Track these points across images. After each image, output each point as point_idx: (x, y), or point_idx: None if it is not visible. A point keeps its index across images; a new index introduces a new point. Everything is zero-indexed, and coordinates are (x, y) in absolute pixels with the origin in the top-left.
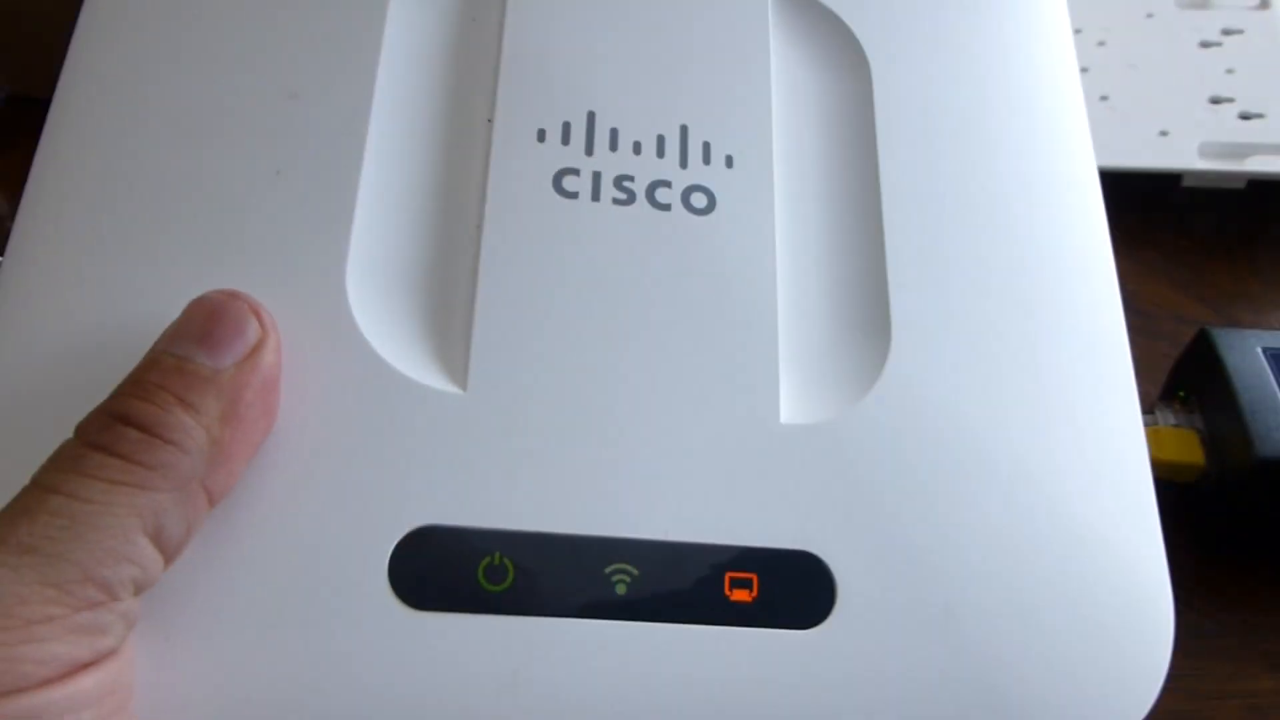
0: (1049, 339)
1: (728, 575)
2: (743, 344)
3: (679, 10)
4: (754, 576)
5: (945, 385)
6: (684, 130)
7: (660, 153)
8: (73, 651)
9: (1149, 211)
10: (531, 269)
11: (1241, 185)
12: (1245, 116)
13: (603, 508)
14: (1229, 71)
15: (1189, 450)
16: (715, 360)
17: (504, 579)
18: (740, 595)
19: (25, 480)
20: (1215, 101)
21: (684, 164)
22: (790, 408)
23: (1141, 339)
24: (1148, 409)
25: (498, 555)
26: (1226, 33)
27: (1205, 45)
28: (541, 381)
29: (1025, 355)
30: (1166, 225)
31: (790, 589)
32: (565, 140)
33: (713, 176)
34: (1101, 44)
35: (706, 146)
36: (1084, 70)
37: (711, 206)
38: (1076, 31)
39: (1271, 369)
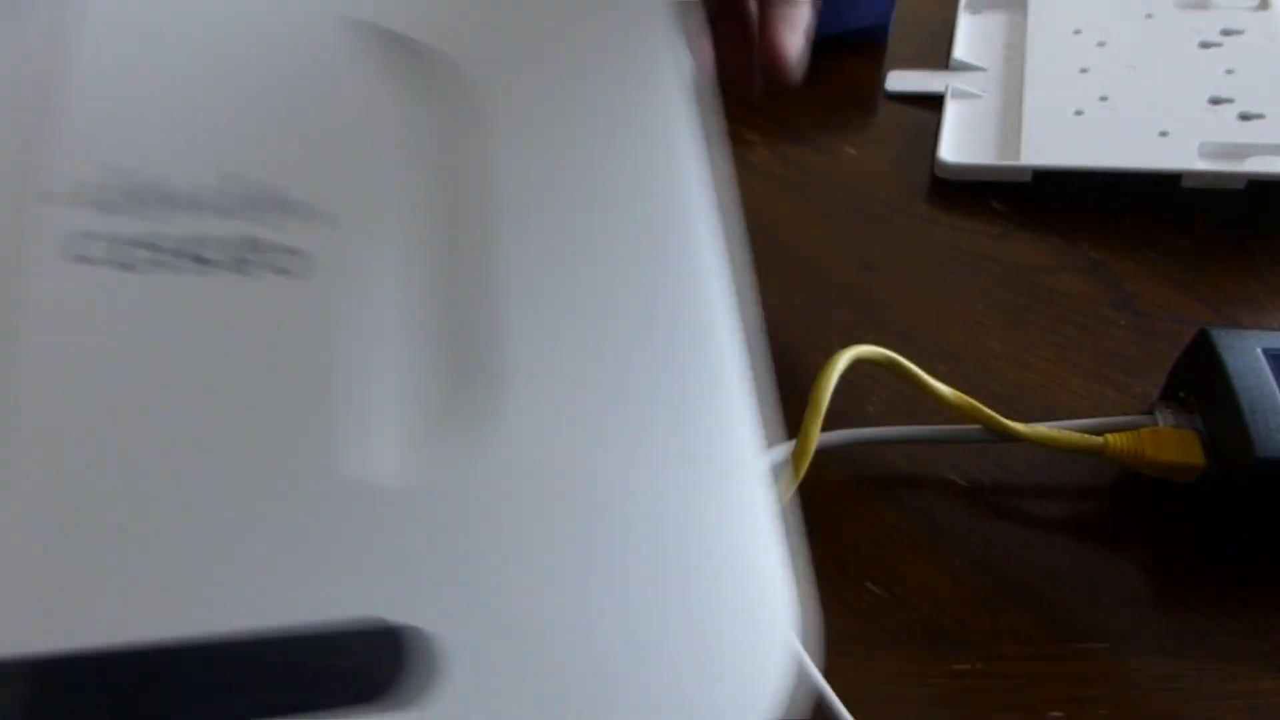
0: (667, 384)
1: (295, 662)
2: (310, 410)
3: (250, 49)
4: (325, 658)
5: (555, 434)
6: (258, 185)
7: (232, 212)
8: None
9: (1149, 211)
10: (62, 345)
11: (1241, 185)
12: (1245, 117)
13: (138, 613)
14: (1229, 72)
15: (1189, 450)
16: (276, 428)
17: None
18: (312, 680)
19: None
20: (1215, 102)
21: (261, 222)
22: (365, 467)
23: (1141, 339)
24: (1148, 409)
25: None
26: (1226, 33)
27: (1205, 45)
28: (69, 475)
29: (642, 402)
30: (1166, 225)
31: (374, 666)
32: (108, 204)
33: (295, 233)
34: (1101, 44)
35: (288, 201)
36: (1084, 70)
37: (291, 267)
38: (1076, 32)
39: (1271, 369)
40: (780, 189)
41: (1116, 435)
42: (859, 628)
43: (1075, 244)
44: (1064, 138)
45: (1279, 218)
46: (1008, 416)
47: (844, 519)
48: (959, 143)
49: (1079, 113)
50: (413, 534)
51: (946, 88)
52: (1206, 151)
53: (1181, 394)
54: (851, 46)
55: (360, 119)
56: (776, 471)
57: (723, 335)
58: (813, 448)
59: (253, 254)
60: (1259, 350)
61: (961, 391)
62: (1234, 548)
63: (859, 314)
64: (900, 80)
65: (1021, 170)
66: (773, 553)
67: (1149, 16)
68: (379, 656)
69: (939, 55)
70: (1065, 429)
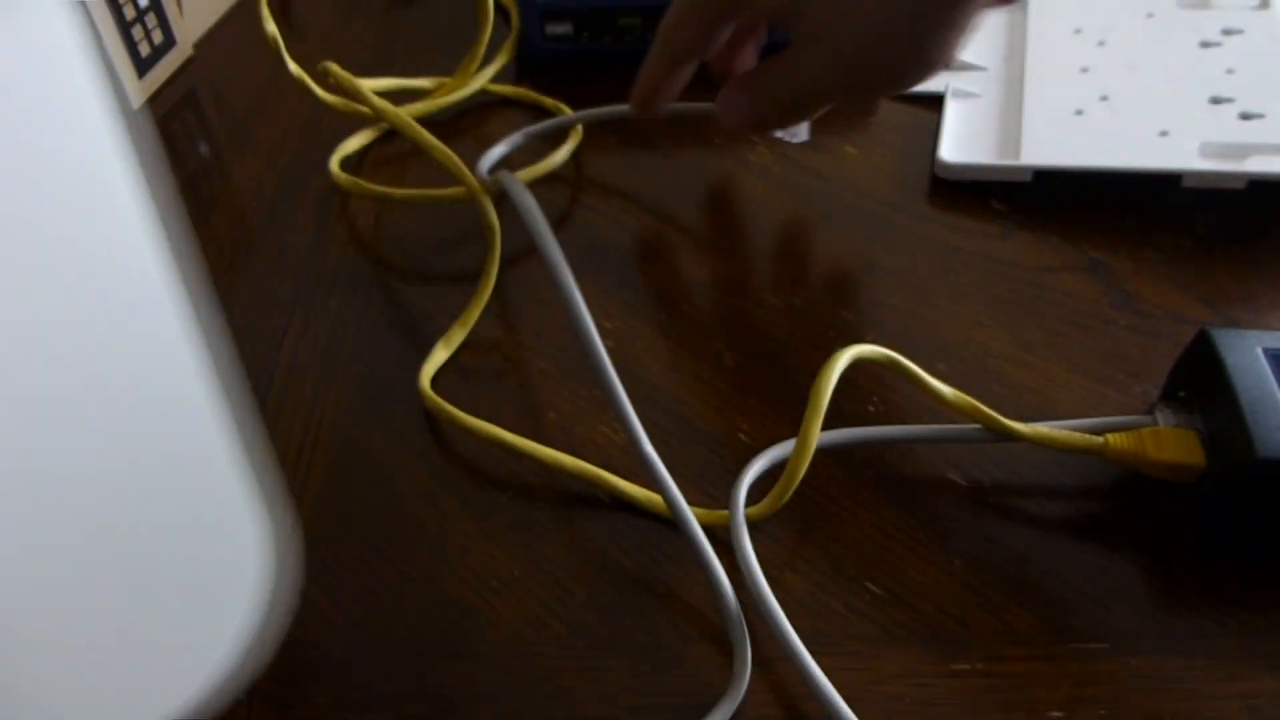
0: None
1: None
2: None
3: None
4: None
5: None
6: None
7: None
8: None
9: (1149, 211)
10: None
11: (1241, 185)
12: (1245, 116)
13: None
14: (1229, 71)
15: (1189, 450)
16: None
17: None
18: None
19: None
20: (1215, 101)
21: None
22: None
23: (1141, 339)
24: (1148, 409)
25: None
26: (1226, 33)
27: (1205, 45)
28: None
29: (65, 361)
30: (1166, 225)
31: None
32: None
33: None
34: (1101, 44)
35: None
36: (1084, 70)
37: None
38: (1076, 31)
39: (1271, 369)
40: (780, 189)
41: (1116, 435)
42: (859, 627)
43: (1075, 244)
44: (1064, 137)
45: (1279, 218)
46: (1008, 416)
47: (844, 519)
48: (959, 142)
49: (1079, 112)
50: None
51: (946, 87)
52: (1207, 151)
53: (1181, 394)
54: None
55: None
56: (776, 471)
57: (151, 288)
58: (813, 448)
59: None
60: (1259, 350)
61: (961, 391)
62: (1234, 548)
63: (859, 314)
64: None
65: (1021, 170)
66: (229, 481)
67: (1149, 16)
68: None
69: None
70: (1065, 429)
